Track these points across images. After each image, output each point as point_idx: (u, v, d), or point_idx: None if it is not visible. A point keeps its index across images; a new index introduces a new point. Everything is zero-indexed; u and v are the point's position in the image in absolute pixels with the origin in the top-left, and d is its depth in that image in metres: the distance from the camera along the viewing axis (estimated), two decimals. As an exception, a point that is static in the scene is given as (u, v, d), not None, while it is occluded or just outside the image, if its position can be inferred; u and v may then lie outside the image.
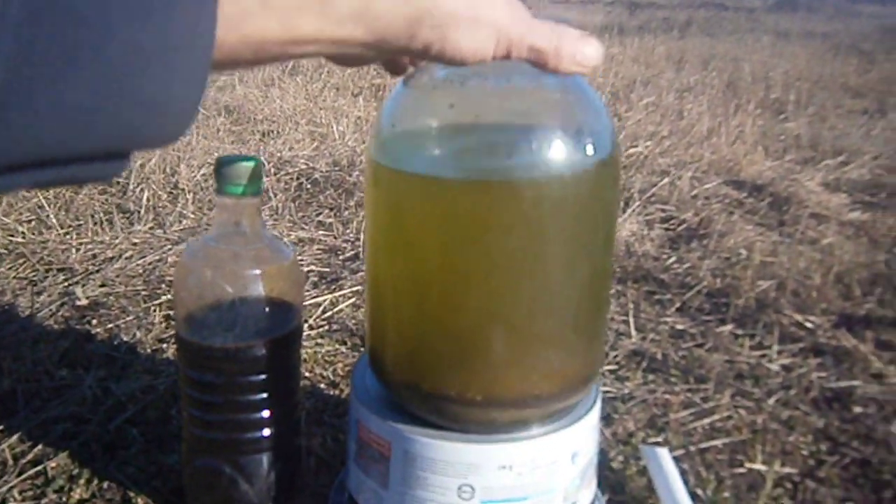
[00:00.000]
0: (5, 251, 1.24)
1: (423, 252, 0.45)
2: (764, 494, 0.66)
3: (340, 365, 0.86)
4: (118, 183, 1.61)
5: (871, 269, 1.26)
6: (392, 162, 0.46)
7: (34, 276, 1.17)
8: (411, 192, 0.45)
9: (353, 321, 1.00)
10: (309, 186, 1.66)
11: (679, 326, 1.01)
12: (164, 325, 0.98)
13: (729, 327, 1.01)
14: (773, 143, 2.40)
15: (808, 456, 0.73)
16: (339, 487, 0.59)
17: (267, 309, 0.52)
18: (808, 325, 1.02)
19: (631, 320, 1.01)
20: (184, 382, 0.54)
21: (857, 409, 0.81)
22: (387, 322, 0.49)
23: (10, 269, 1.19)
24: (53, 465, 0.66)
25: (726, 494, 0.66)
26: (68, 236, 1.32)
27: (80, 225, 1.39)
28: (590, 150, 0.44)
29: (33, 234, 1.32)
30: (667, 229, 1.48)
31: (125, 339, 0.94)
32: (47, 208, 1.43)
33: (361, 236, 1.35)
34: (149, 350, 0.91)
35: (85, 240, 1.30)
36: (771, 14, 10.93)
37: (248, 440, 0.54)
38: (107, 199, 1.53)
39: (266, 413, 0.54)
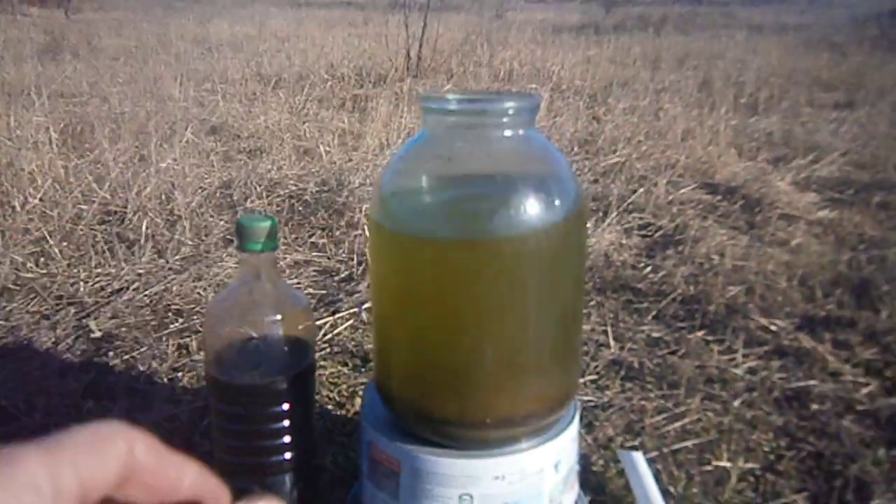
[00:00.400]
0: (16, 287, 1.30)
1: (421, 300, 0.54)
2: (729, 488, 0.75)
3: (344, 386, 0.94)
4: (115, 212, 1.67)
5: (833, 270, 1.35)
6: (392, 225, 0.54)
7: (46, 310, 1.23)
8: (409, 249, 0.53)
9: (353, 342, 1.08)
10: (300, 208, 1.73)
11: (655, 334, 1.10)
12: (176, 354, 1.05)
13: (700, 333, 1.09)
14: (747, 142, 2.49)
15: (769, 452, 0.82)
16: (352, 501, 0.67)
17: (286, 348, 0.60)
18: (773, 328, 1.11)
19: (610, 331, 1.09)
20: (215, 415, 0.62)
21: (814, 407, 0.90)
22: (392, 358, 0.57)
23: (22, 303, 1.25)
24: (95, 490, 0.73)
25: (695, 490, 0.75)
26: (75, 270, 1.37)
27: (82, 255, 1.45)
28: (558, 206, 0.52)
29: (40, 267, 1.38)
30: (644, 236, 1.56)
31: (142, 369, 1.01)
32: (50, 240, 1.49)
33: (355, 257, 1.42)
34: (165, 380, 0.98)
35: (92, 272, 1.36)
36: (744, 8, 11.10)
37: (274, 463, 0.62)
38: (106, 229, 1.59)
39: (287, 438, 0.62)
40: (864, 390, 0.94)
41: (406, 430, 0.57)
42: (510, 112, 0.52)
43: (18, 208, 1.64)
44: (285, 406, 0.61)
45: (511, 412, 0.54)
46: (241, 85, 3.57)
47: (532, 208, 0.51)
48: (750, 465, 0.79)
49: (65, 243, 1.50)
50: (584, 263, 0.59)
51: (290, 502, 0.63)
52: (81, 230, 1.57)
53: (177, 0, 16.27)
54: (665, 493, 0.70)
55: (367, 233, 1.51)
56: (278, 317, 0.59)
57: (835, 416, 0.88)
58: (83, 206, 1.69)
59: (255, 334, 0.59)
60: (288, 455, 0.62)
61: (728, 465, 0.78)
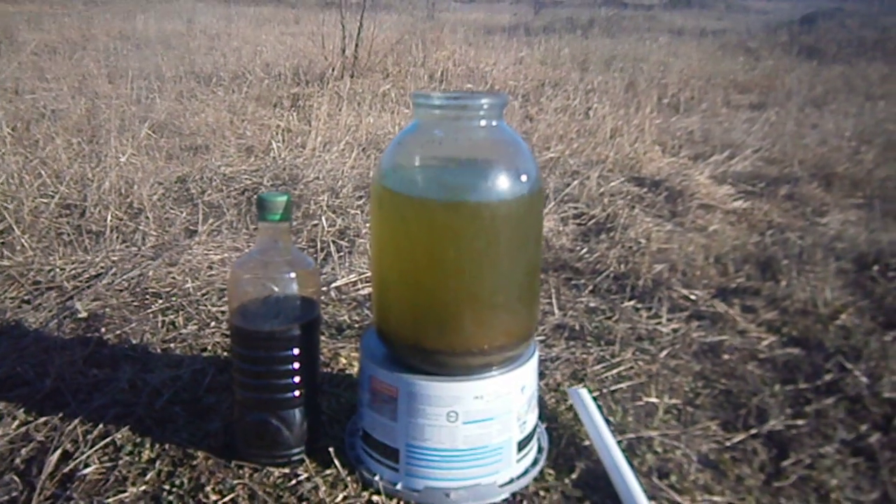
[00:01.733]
0: (-6, 274, 1.36)
1: (416, 252, 0.67)
2: (657, 419, 0.91)
3: (326, 350, 1.06)
4: (75, 206, 1.73)
5: (744, 250, 1.54)
6: (393, 186, 0.67)
7: (26, 295, 1.29)
8: (408, 208, 0.67)
9: (327, 315, 1.20)
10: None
11: (592, 304, 1.26)
12: (164, 330, 1.15)
13: (631, 303, 1.26)
14: (670, 139, 2.69)
15: (689, 391, 0.98)
16: (350, 431, 0.80)
17: (298, 302, 0.73)
18: (693, 297, 1.28)
19: (554, 301, 1.25)
20: (237, 358, 0.74)
21: (725, 357, 1.08)
22: (390, 302, 0.71)
23: (1, 290, 1.31)
24: (119, 436, 0.84)
25: (630, 419, 0.90)
26: (50, 257, 1.44)
27: (47, 246, 1.51)
28: (524, 182, 0.67)
29: (8, 255, 1.43)
30: (579, 224, 1.72)
31: (135, 342, 1.10)
32: (15, 230, 1.54)
33: (317, 243, 1.54)
34: (159, 350, 1.08)
35: (68, 259, 1.43)
36: (667, 12, 11.55)
37: (287, 398, 0.74)
38: (68, 221, 1.65)
39: (297, 378, 0.74)
40: (765, 342, 1.12)
41: (401, 362, 0.71)
42: (485, 107, 0.66)
43: (-24, 202, 1.68)
44: (296, 350, 0.73)
45: (488, 343, 0.69)
46: (177, 82, 3.60)
47: (504, 182, 0.65)
48: (674, 401, 0.95)
49: (27, 234, 1.55)
50: (542, 229, 0.74)
51: (301, 431, 0.75)
52: (43, 222, 1.62)
53: (98, -6, 15.78)
54: (606, 421, 0.86)
55: (324, 223, 1.62)
56: (293, 274, 0.72)
57: (741, 362, 1.06)
58: (43, 200, 1.74)
59: (275, 288, 0.71)
60: (297, 392, 0.75)
61: (656, 401, 0.95)
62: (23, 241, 1.49)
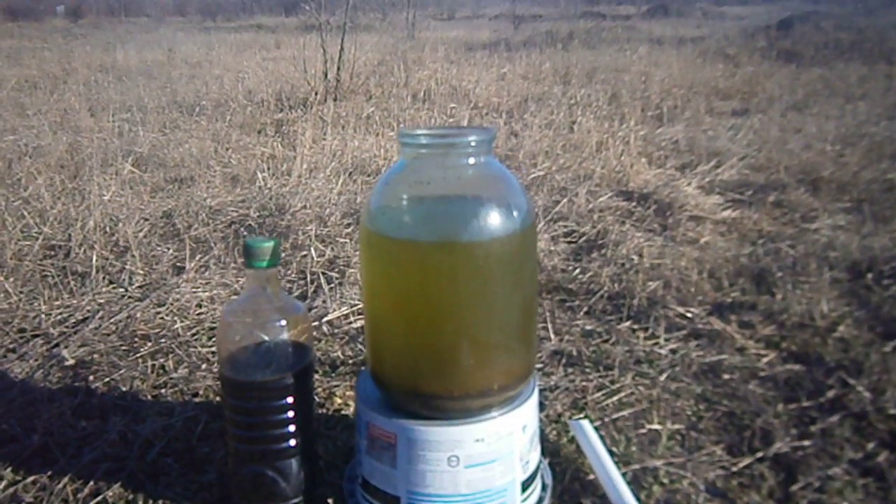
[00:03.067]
0: (-23, 323, 1.33)
1: (409, 295, 0.66)
2: (661, 446, 0.89)
3: (320, 389, 1.04)
4: (60, 246, 1.71)
5: (737, 262, 1.53)
6: (382, 229, 0.66)
7: (11, 343, 1.26)
8: (398, 252, 0.65)
9: (320, 352, 1.17)
10: (245, 233, 1.80)
11: (588, 327, 1.24)
12: (154, 375, 1.12)
13: (627, 324, 1.24)
14: (655, 151, 2.70)
15: (691, 415, 0.97)
16: (349, 477, 0.78)
17: (290, 349, 0.71)
18: (689, 315, 1.27)
19: (549, 326, 1.23)
20: (229, 410, 0.71)
21: (726, 376, 1.06)
22: (384, 346, 0.69)
23: (-16, 338, 1.28)
24: (111, 493, 0.81)
25: (634, 449, 0.89)
26: (35, 303, 1.41)
27: (32, 290, 1.48)
28: (516, 218, 0.65)
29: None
30: (570, 242, 1.71)
31: (125, 389, 1.08)
32: (-1, 276, 1.51)
33: (307, 275, 1.52)
34: (150, 397, 1.05)
35: (52, 305, 1.40)
36: (645, 21, 11.65)
37: (282, 449, 0.72)
38: (53, 263, 1.63)
39: (293, 427, 0.72)
40: (765, 360, 1.10)
41: (398, 407, 0.69)
42: (473, 143, 0.65)
43: (-42, 247, 1.65)
44: (291, 399, 0.71)
45: (486, 385, 0.67)
46: (159, 113, 3.59)
47: (496, 219, 0.64)
48: (677, 427, 0.94)
49: (11, 279, 1.52)
50: (537, 264, 0.72)
51: (298, 481, 0.73)
52: (28, 265, 1.60)
53: (76, 26, 15.79)
54: (609, 453, 0.84)
55: (313, 254, 1.61)
56: (284, 322, 0.70)
57: (742, 382, 1.04)
58: (26, 242, 1.71)
59: (265, 337, 0.69)
60: (293, 441, 0.73)
61: (659, 427, 0.93)
62: (6, 286, 1.46)
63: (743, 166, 2.45)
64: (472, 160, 0.66)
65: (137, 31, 12.74)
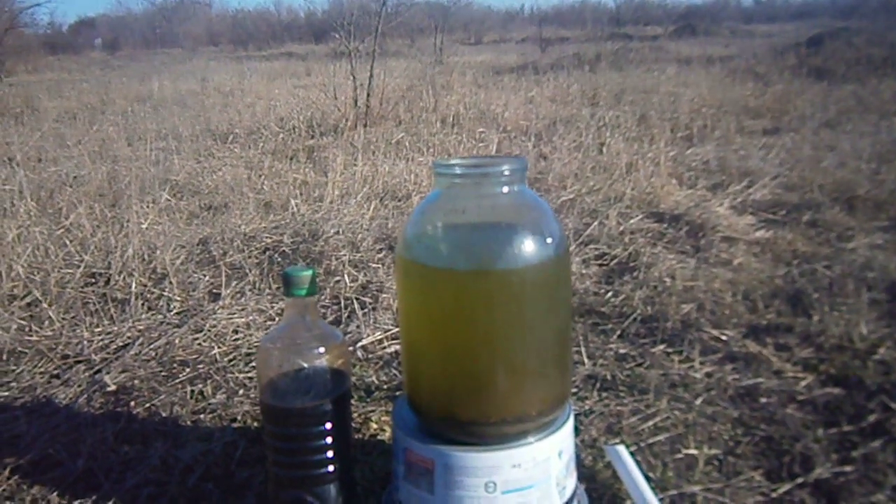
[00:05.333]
0: (22, 350, 1.37)
1: (445, 322, 0.67)
2: (698, 471, 0.89)
3: (356, 414, 1.05)
4: (100, 274, 1.75)
5: (771, 284, 1.52)
6: (417, 258, 0.67)
7: (55, 370, 1.29)
8: (435, 280, 0.67)
9: (355, 377, 1.19)
10: (279, 259, 1.83)
11: (622, 350, 1.24)
12: (193, 400, 1.14)
13: (661, 347, 1.24)
14: (686, 171, 2.68)
15: (729, 439, 0.96)
16: (386, 503, 0.79)
17: (329, 376, 0.72)
18: (724, 337, 1.26)
19: (583, 350, 1.23)
20: (269, 436, 0.73)
21: (763, 400, 1.05)
22: (420, 372, 0.70)
23: (30, 364, 1.32)
24: (153, 518, 0.83)
25: (671, 474, 0.88)
26: (77, 330, 1.45)
27: (74, 317, 1.52)
28: (550, 245, 0.66)
29: (42, 329, 1.45)
30: (601, 265, 1.71)
31: (165, 415, 1.10)
32: (42, 303, 1.56)
33: (340, 300, 1.53)
34: (189, 423, 1.07)
35: (94, 332, 1.44)
36: (672, 41, 11.65)
37: (321, 474, 0.73)
38: (94, 290, 1.67)
39: (331, 453, 0.73)
40: (803, 383, 1.09)
41: (435, 434, 0.70)
42: (506, 173, 0.66)
43: (3, 276, 1.70)
44: (329, 425, 0.72)
45: (523, 411, 0.67)
46: (193, 141, 3.67)
47: (530, 246, 0.65)
48: (714, 451, 0.93)
49: (54, 307, 1.56)
50: (571, 290, 0.73)
51: (336, 507, 0.74)
52: (69, 293, 1.64)
53: (113, 58, 16.20)
54: (646, 478, 0.83)
55: (346, 279, 1.63)
56: (322, 349, 0.71)
57: (780, 406, 1.03)
58: (67, 271, 1.76)
59: (304, 365, 0.70)
60: (332, 467, 0.74)
61: (695, 452, 0.92)
62: (50, 313, 1.50)
63: (775, 186, 2.42)
64: (505, 189, 0.67)
65: (172, 61, 13.06)
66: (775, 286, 1.50)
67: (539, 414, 0.68)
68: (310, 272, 0.70)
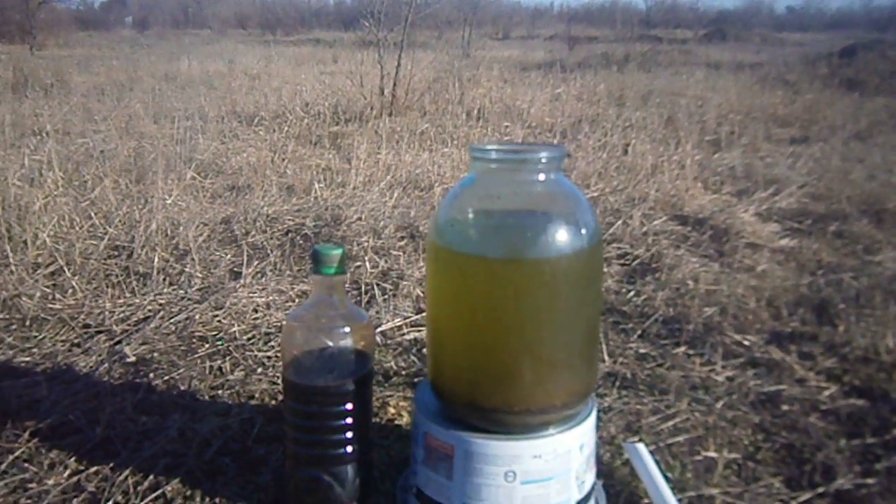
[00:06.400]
0: (48, 318, 1.38)
1: (473, 308, 0.66)
2: (717, 474, 0.88)
3: (374, 399, 1.05)
4: (124, 247, 1.76)
5: (796, 292, 1.50)
6: (450, 243, 0.67)
7: (76, 338, 1.31)
8: (465, 266, 0.66)
9: (373, 362, 1.18)
10: (300, 241, 1.83)
11: (642, 350, 1.23)
12: (212, 376, 1.15)
13: (683, 349, 1.23)
14: (711, 176, 2.66)
15: (749, 444, 0.95)
16: (402, 487, 0.79)
17: (353, 356, 0.72)
18: (746, 342, 1.25)
19: (604, 347, 1.22)
20: (289, 413, 0.73)
21: (785, 407, 1.04)
22: (446, 357, 0.70)
23: (52, 332, 1.33)
24: (170, 489, 0.83)
25: (689, 476, 0.87)
26: (99, 300, 1.46)
27: (96, 288, 1.53)
28: (584, 235, 0.65)
29: (66, 298, 1.46)
30: (623, 265, 1.70)
31: (183, 388, 1.10)
32: (66, 272, 1.57)
33: (361, 286, 1.53)
34: (207, 397, 1.07)
35: (115, 303, 1.44)
36: (702, 45, 11.54)
37: (340, 454, 0.73)
38: (116, 263, 1.68)
39: (350, 434, 0.73)
40: (827, 393, 1.08)
41: (457, 419, 0.69)
42: (544, 160, 0.66)
43: (29, 243, 1.71)
44: (350, 405, 0.72)
45: (547, 402, 0.67)
46: (219, 122, 3.68)
47: (564, 236, 0.64)
48: (733, 456, 0.92)
49: (77, 277, 1.57)
50: (602, 283, 0.72)
51: (353, 488, 0.74)
52: (93, 264, 1.65)
53: (142, 37, 16.30)
54: (665, 479, 0.83)
55: (367, 265, 1.63)
56: (348, 329, 0.71)
57: (803, 414, 1.02)
58: (92, 242, 1.77)
59: (329, 343, 0.70)
60: (350, 448, 0.73)
61: (715, 455, 0.91)
62: (73, 283, 1.51)
63: (802, 195, 2.39)
64: (542, 176, 0.67)
65: (200, 42, 13.12)
66: (800, 294, 1.48)
67: (563, 406, 0.68)
68: (340, 251, 0.70)
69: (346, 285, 1.54)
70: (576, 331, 0.67)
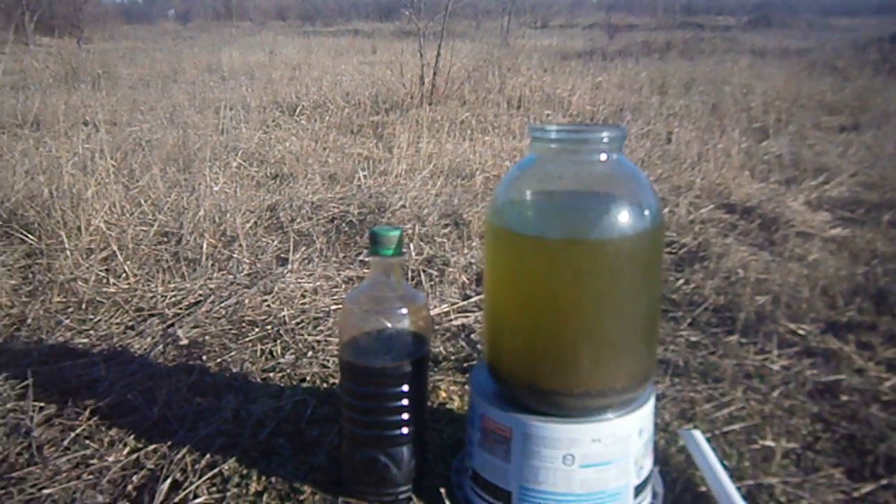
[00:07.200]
0: (103, 301, 1.41)
1: (532, 290, 0.66)
2: (775, 464, 0.86)
3: (423, 382, 1.05)
4: (173, 234, 1.79)
5: (851, 281, 1.46)
6: (508, 225, 0.66)
7: (130, 321, 1.33)
8: (525, 247, 0.66)
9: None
10: (346, 228, 1.84)
11: (693, 338, 1.21)
12: (263, 359, 1.16)
13: (735, 337, 1.21)
14: (758, 164, 2.61)
15: (807, 434, 0.93)
16: (457, 469, 0.79)
17: (410, 337, 0.72)
18: (801, 332, 1.22)
19: (654, 334, 1.20)
20: (347, 394, 0.73)
21: (844, 397, 1.01)
22: (504, 339, 0.69)
23: (107, 315, 1.36)
24: (226, 467, 0.85)
25: (747, 464, 0.86)
26: (151, 284, 1.48)
27: (147, 272, 1.56)
28: (647, 216, 0.64)
29: (119, 282, 1.49)
30: (670, 253, 1.67)
31: (235, 371, 1.12)
32: (119, 257, 1.60)
33: (408, 273, 1.54)
34: (259, 380, 1.09)
35: (167, 287, 1.47)
36: (746, 32, 11.30)
37: (396, 436, 0.73)
38: (166, 248, 1.71)
39: (406, 415, 0.73)
40: (888, 383, 1.05)
41: (514, 402, 0.69)
42: (605, 140, 0.65)
43: (83, 229, 1.75)
44: (407, 387, 0.72)
45: (607, 385, 0.66)
46: (261, 112, 3.72)
47: (626, 217, 0.63)
48: (791, 445, 0.90)
49: (129, 262, 1.60)
50: (662, 265, 0.71)
51: (409, 468, 0.74)
52: (144, 249, 1.68)
53: (185, 29, 16.53)
54: (723, 467, 0.81)
55: (412, 252, 1.63)
56: (405, 310, 0.71)
57: (863, 405, 0.99)
58: (142, 228, 1.80)
59: (387, 324, 0.70)
60: (406, 429, 0.74)
61: (773, 444, 0.90)
62: (125, 267, 1.54)
63: (854, 183, 2.33)
64: (603, 156, 0.66)
65: (241, 34, 13.25)
66: (856, 284, 1.44)
67: (623, 390, 0.67)
68: (398, 232, 0.70)
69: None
70: (636, 314, 0.66)
